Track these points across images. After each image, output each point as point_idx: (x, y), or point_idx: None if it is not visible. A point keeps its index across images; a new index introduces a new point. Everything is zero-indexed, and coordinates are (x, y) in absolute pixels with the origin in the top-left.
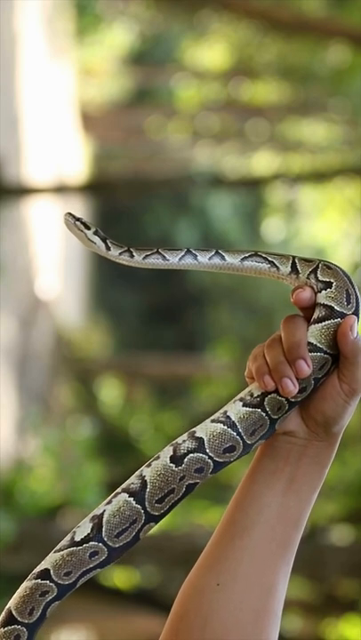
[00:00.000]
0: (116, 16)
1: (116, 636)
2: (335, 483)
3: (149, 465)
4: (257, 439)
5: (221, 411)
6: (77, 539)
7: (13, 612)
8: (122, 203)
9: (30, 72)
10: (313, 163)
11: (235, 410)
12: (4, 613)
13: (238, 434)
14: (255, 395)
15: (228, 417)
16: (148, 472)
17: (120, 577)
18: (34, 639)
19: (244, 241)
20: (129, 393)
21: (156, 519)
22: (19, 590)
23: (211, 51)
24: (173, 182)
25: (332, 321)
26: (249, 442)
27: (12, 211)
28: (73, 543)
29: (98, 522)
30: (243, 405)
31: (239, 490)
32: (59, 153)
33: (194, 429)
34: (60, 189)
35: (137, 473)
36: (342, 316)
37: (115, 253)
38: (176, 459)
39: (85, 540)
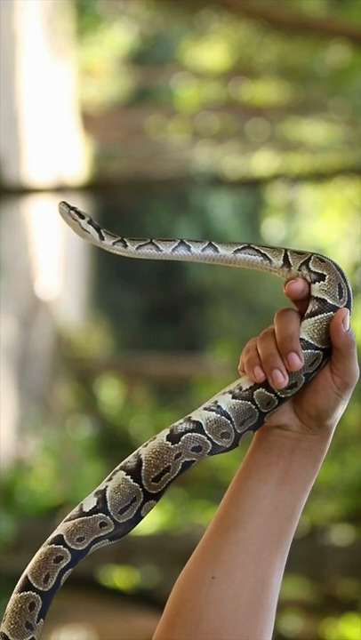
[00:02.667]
0: (116, 16)
1: (116, 636)
2: (335, 483)
3: (146, 445)
4: (246, 429)
5: (212, 400)
6: (86, 509)
7: (29, 578)
8: (122, 203)
9: (30, 72)
10: (313, 163)
11: (225, 400)
12: (20, 579)
13: (231, 422)
14: (244, 388)
15: (220, 406)
16: (143, 451)
17: (120, 577)
18: (47, 609)
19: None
20: (129, 393)
21: (156, 497)
22: (34, 557)
23: (211, 51)
24: (173, 182)
25: (324, 315)
26: (239, 431)
27: (12, 211)
28: (82, 513)
29: (102, 496)
30: (232, 398)
31: (233, 484)
32: (59, 153)
33: (189, 415)
34: (60, 189)
35: (134, 452)
36: (334, 309)
37: (108, 243)
38: (173, 437)
39: (94, 510)
